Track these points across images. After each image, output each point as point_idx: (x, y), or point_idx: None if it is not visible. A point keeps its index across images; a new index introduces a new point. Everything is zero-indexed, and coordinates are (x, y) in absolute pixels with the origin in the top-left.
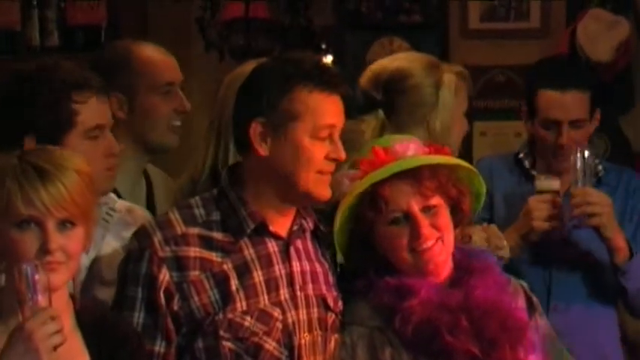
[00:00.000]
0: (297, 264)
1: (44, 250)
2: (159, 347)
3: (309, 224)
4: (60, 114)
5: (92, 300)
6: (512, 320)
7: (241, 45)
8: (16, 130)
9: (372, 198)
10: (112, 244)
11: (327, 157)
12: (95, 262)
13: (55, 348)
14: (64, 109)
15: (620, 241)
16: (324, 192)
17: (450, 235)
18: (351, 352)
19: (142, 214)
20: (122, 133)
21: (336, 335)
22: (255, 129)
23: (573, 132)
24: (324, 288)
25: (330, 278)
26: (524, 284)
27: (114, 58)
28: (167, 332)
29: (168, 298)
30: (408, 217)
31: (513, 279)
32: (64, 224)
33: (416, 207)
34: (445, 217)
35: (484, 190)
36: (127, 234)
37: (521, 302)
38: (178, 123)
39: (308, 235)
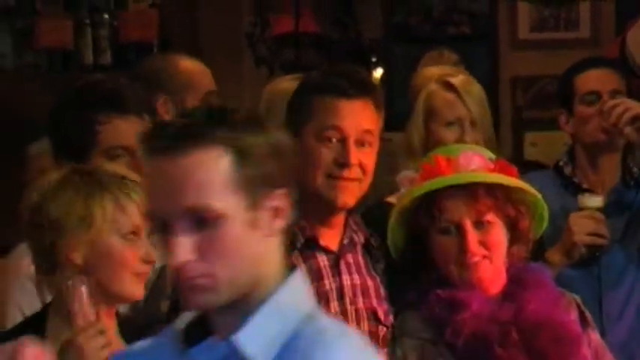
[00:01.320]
0: (348, 277)
1: (147, 260)
2: None
3: (359, 238)
4: (84, 133)
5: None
6: (565, 333)
7: (291, 60)
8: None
9: (428, 205)
10: None
11: (335, 162)
12: (161, 275)
13: None
14: (88, 128)
15: None
16: (338, 197)
17: (499, 254)
18: None
19: None
20: None
21: (387, 349)
22: None
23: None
24: (374, 301)
25: (382, 292)
26: (578, 298)
27: (149, 71)
28: None
29: None
30: (459, 230)
31: (567, 293)
32: (150, 236)
33: (468, 221)
34: (497, 235)
35: (546, 213)
36: None
37: (574, 316)
38: None
39: (359, 248)
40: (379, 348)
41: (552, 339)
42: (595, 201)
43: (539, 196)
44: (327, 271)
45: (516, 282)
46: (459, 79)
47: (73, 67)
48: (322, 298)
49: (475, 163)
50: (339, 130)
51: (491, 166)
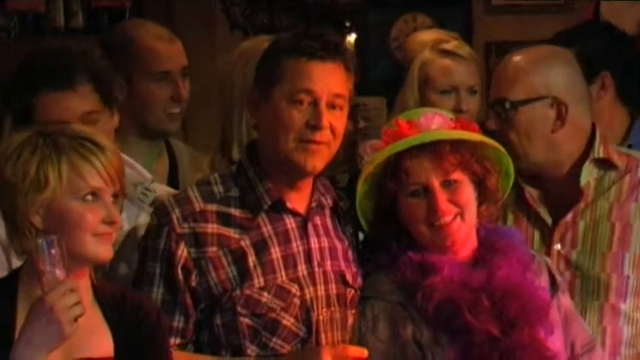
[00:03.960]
0: (315, 240)
1: (109, 221)
2: (177, 322)
3: (327, 201)
4: (25, 104)
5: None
6: (534, 301)
7: (265, 23)
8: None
9: (394, 169)
10: (147, 221)
11: (307, 125)
12: (129, 237)
13: (75, 319)
14: (27, 101)
15: None
16: (307, 160)
17: (470, 212)
18: (372, 326)
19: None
20: (124, 116)
21: (354, 311)
22: (250, 97)
23: None
24: (342, 264)
25: (350, 254)
26: (548, 261)
27: (117, 40)
28: (185, 308)
29: (187, 274)
30: (427, 191)
31: (538, 255)
32: (116, 197)
33: (435, 181)
34: (466, 194)
35: (512, 169)
36: None
37: (545, 280)
38: (176, 110)
39: (327, 211)
40: (348, 310)
41: (521, 307)
42: None
43: (504, 150)
44: (294, 234)
45: (486, 246)
46: (453, 44)
47: (44, 30)
48: (290, 260)
49: (436, 122)
50: (310, 93)
51: (452, 124)
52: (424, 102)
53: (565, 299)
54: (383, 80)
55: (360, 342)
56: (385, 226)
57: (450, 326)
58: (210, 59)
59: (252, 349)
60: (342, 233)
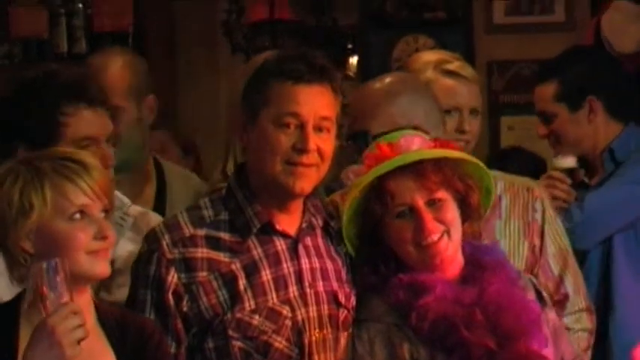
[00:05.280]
0: (307, 261)
1: (101, 237)
2: (170, 348)
3: (318, 221)
4: (49, 125)
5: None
6: (527, 314)
7: (267, 47)
8: (7, 136)
9: (379, 192)
10: (126, 247)
11: (294, 148)
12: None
13: (78, 342)
14: (52, 120)
15: None
16: (296, 183)
17: (456, 230)
18: (369, 349)
19: (156, 219)
20: None
21: (348, 332)
22: (238, 121)
23: None
24: (335, 284)
25: (343, 274)
26: (533, 278)
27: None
28: (177, 333)
29: (178, 299)
30: (413, 211)
31: (522, 273)
32: (107, 212)
33: (420, 201)
34: (451, 211)
35: (492, 185)
36: (140, 238)
37: (532, 296)
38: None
39: (319, 231)
40: (340, 331)
41: (515, 319)
42: (566, 162)
43: (484, 166)
44: (285, 255)
45: (473, 263)
46: (456, 65)
47: (48, 57)
48: (281, 282)
49: (416, 143)
50: (297, 117)
51: (432, 144)
52: None
53: (552, 314)
54: None
55: None
56: (371, 249)
57: (446, 343)
58: (212, 81)
59: None
60: (335, 253)
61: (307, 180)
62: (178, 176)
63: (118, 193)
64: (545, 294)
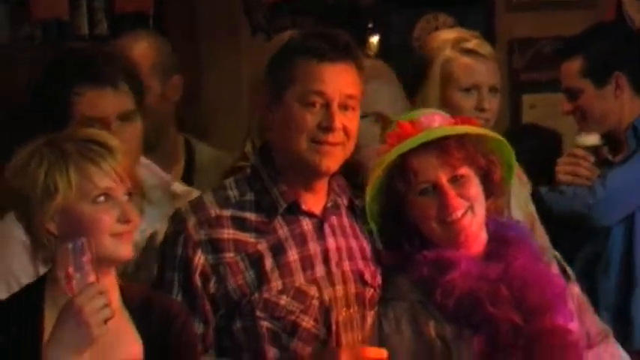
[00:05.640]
0: (333, 240)
1: (125, 220)
2: (197, 329)
3: (343, 201)
4: (60, 106)
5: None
6: (552, 288)
7: (287, 26)
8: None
9: (402, 170)
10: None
11: (319, 126)
12: (151, 240)
13: (105, 321)
14: (62, 101)
15: None
16: (322, 162)
17: (480, 206)
18: (395, 327)
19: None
20: None
21: (374, 310)
22: (262, 99)
23: None
24: (361, 263)
25: (368, 253)
26: (557, 253)
27: None
28: (205, 314)
29: (205, 280)
30: (437, 188)
31: (548, 249)
32: (130, 195)
33: (444, 178)
34: (474, 187)
35: (514, 161)
36: None
37: (556, 270)
38: None
39: (344, 211)
40: (367, 310)
41: (541, 294)
42: (589, 139)
43: (506, 141)
44: (311, 235)
45: (497, 239)
46: (474, 43)
47: (69, 38)
48: (307, 262)
49: (437, 120)
50: (323, 95)
51: (452, 121)
52: (446, 100)
53: (576, 289)
54: (405, 80)
55: (385, 343)
56: (395, 227)
57: (472, 319)
58: (234, 62)
59: (272, 352)
60: (360, 232)
61: (333, 158)
62: (211, 157)
63: (157, 169)
64: (568, 268)
